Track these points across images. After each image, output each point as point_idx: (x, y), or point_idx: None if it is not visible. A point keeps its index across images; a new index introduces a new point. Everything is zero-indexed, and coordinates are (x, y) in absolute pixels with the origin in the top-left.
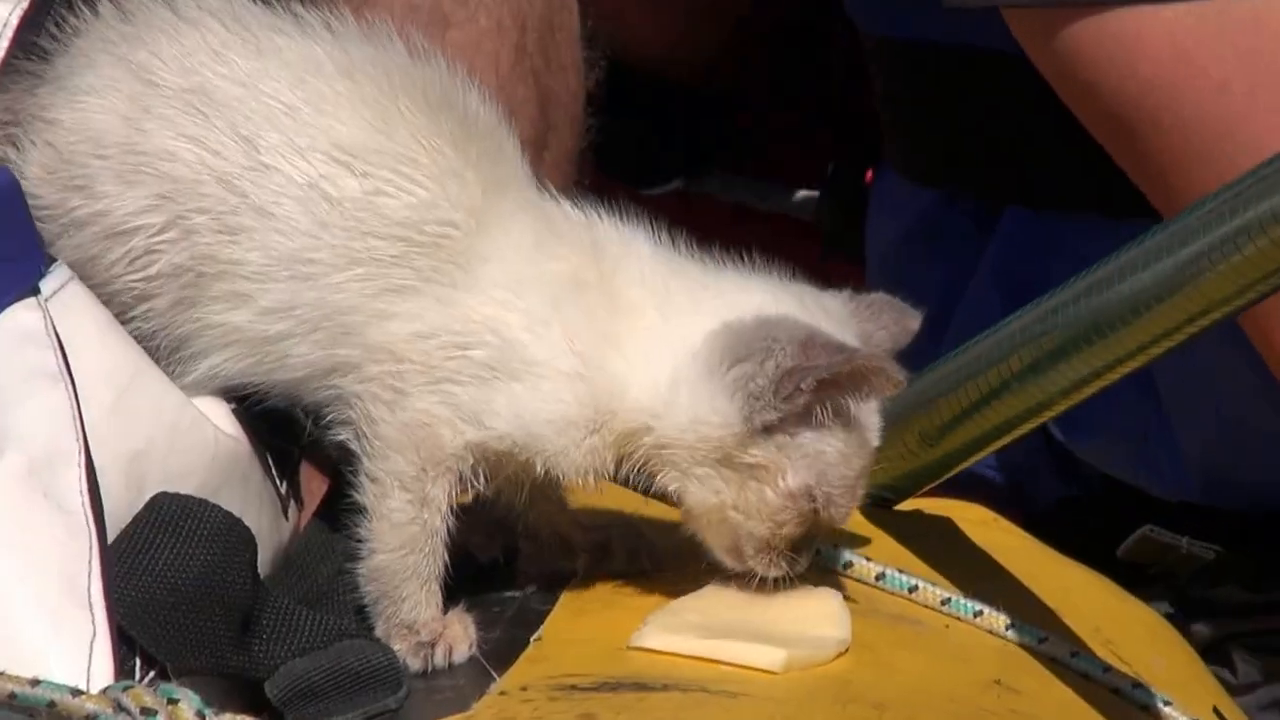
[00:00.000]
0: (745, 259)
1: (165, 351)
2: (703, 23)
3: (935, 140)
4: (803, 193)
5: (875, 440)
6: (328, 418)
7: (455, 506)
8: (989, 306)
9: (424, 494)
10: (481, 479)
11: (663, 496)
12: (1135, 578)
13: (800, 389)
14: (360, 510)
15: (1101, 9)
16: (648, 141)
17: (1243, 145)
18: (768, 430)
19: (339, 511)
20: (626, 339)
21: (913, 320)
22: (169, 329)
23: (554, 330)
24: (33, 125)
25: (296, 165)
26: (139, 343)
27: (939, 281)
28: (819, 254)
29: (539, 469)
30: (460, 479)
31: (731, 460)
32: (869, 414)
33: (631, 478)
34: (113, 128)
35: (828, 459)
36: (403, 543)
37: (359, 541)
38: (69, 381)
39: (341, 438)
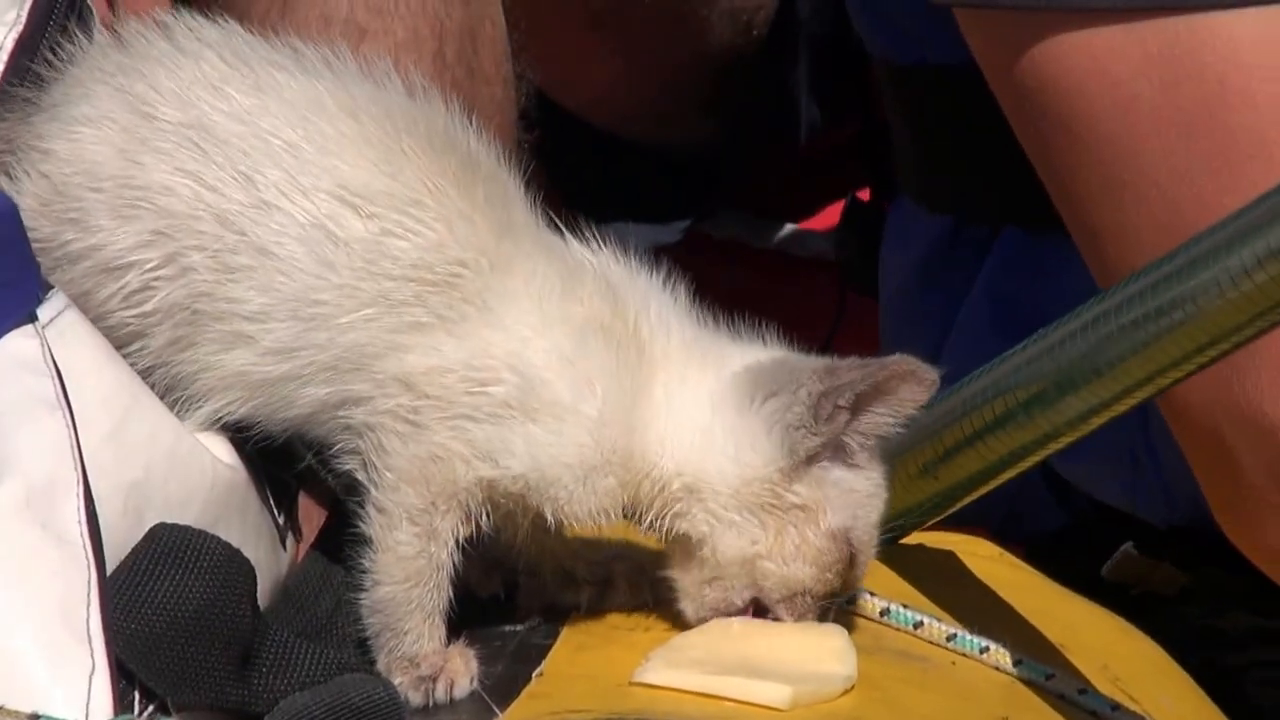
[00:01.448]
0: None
1: (161, 390)
2: (642, 76)
3: (941, 162)
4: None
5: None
6: (334, 447)
7: (461, 541)
8: (981, 329)
9: (432, 527)
10: (485, 515)
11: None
12: (1142, 608)
13: (839, 406)
14: (365, 541)
15: (1052, 24)
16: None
17: (1140, 177)
18: (807, 464)
19: (339, 543)
20: (649, 383)
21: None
22: (166, 367)
23: (577, 371)
24: (28, 155)
25: (299, 204)
26: None
27: (940, 308)
28: (835, 291)
29: (549, 513)
30: (467, 515)
31: (771, 503)
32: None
33: (645, 522)
34: (108, 160)
35: (859, 498)
36: (408, 575)
37: (362, 573)
38: (67, 409)
39: (347, 467)
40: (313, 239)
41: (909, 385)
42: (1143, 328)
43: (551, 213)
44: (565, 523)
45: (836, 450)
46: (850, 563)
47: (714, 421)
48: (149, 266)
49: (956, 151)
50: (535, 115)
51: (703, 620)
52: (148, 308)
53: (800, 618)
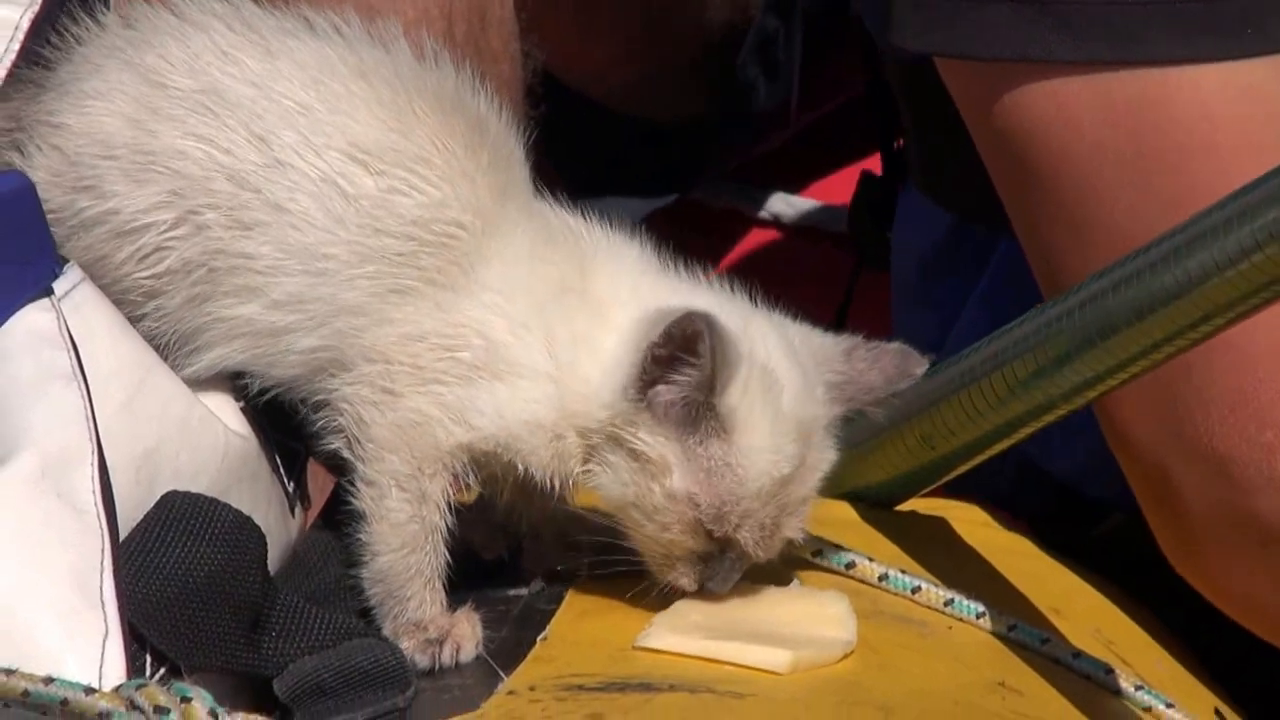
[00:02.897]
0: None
1: (173, 346)
2: (645, 55)
3: (943, 159)
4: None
5: (785, 467)
6: (318, 425)
7: (454, 503)
8: (978, 333)
9: (421, 491)
10: (472, 477)
11: None
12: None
13: (656, 345)
14: (359, 516)
15: (1021, 74)
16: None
17: (1100, 220)
18: (648, 409)
19: (340, 518)
20: (596, 349)
21: (918, 365)
22: (180, 325)
23: (535, 333)
24: (38, 130)
25: (312, 162)
26: (148, 341)
27: (944, 301)
28: (840, 261)
29: (520, 468)
30: (454, 477)
31: (631, 447)
32: (776, 439)
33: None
34: (120, 129)
35: (710, 466)
36: (404, 542)
37: (360, 547)
38: (82, 381)
39: (334, 447)
40: (325, 195)
41: (699, 344)
42: (1140, 302)
43: (544, 182)
44: (542, 480)
45: (693, 420)
46: (710, 534)
47: (606, 364)
48: (164, 227)
49: (957, 151)
50: (541, 91)
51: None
52: (162, 267)
53: (676, 580)
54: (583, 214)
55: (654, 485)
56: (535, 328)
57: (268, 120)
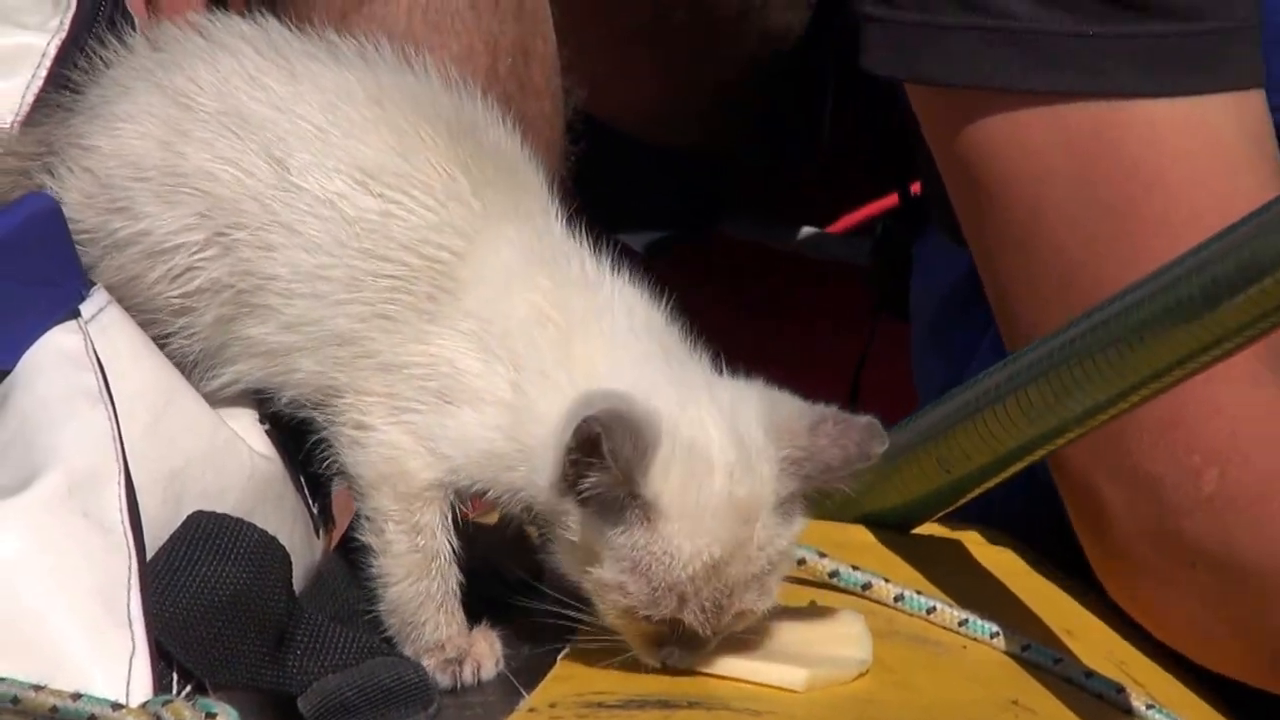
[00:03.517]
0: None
1: (199, 363)
2: (681, 91)
3: None
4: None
5: (716, 551)
6: (324, 465)
7: (472, 523)
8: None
9: (414, 523)
10: (468, 505)
11: None
12: None
13: (569, 446)
14: (367, 549)
15: (984, 101)
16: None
17: (1047, 241)
18: (571, 501)
19: (353, 550)
20: (563, 386)
21: (879, 445)
22: (207, 343)
23: (503, 361)
24: (69, 153)
25: (322, 184)
26: (175, 359)
27: (964, 346)
28: (860, 298)
29: (489, 496)
30: (447, 504)
31: (562, 528)
32: (717, 522)
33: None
34: (150, 151)
35: (635, 554)
36: (408, 571)
37: (370, 580)
38: (109, 402)
39: (344, 485)
40: (331, 218)
41: (603, 446)
42: (1150, 326)
43: (571, 213)
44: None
45: (615, 508)
46: (653, 605)
47: (548, 447)
48: (195, 248)
49: None
50: (580, 128)
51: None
52: (192, 286)
53: (642, 656)
54: (597, 251)
55: (589, 570)
56: (503, 355)
57: (286, 143)
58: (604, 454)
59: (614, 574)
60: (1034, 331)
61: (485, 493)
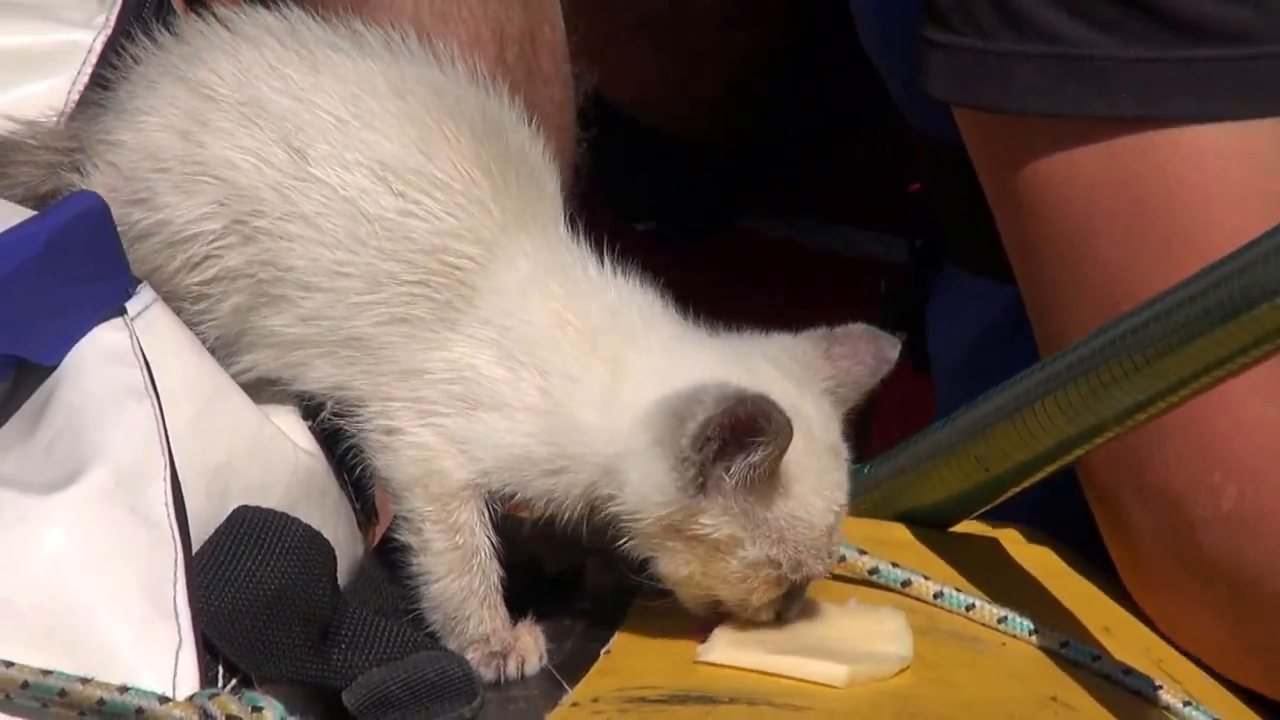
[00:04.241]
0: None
1: (216, 350)
2: (693, 77)
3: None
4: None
5: (840, 496)
6: (356, 472)
7: (498, 519)
8: None
9: (451, 522)
10: (501, 505)
11: None
12: None
13: (709, 437)
14: (406, 548)
15: (1039, 127)
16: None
17: (1087, 257)
18: (710, 496)
19: (393, 549)
20: (593, 388)
21: (890, 349)
22: (225, 330)
23: (528, 368)
24: (96, 149)
25: (341, 178)
26: None
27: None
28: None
29: (519, 500)
30: (483, 503)
31: (690, 534)
32: (825, 471)
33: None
34: (171, 142)
35: (780, 526)
36: (449, 568)
37: (411, 578)
38: (154, 398)
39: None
40: (351, 213)
41: (765, 424)
42: (1189, 326)
43: (588, 209)
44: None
45: (746, 484)
46: (788, 578)
47: (632, 454)
48: (212, 236)
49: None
50: (591, 114)
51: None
52: (210, 274)
53: (756, 616)
54: (601, 251)
55: (728, 559)
56: (527, 362)
57: (306, 134)
58: (766, 431)
59: (762, 550)
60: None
61: (515, 496)
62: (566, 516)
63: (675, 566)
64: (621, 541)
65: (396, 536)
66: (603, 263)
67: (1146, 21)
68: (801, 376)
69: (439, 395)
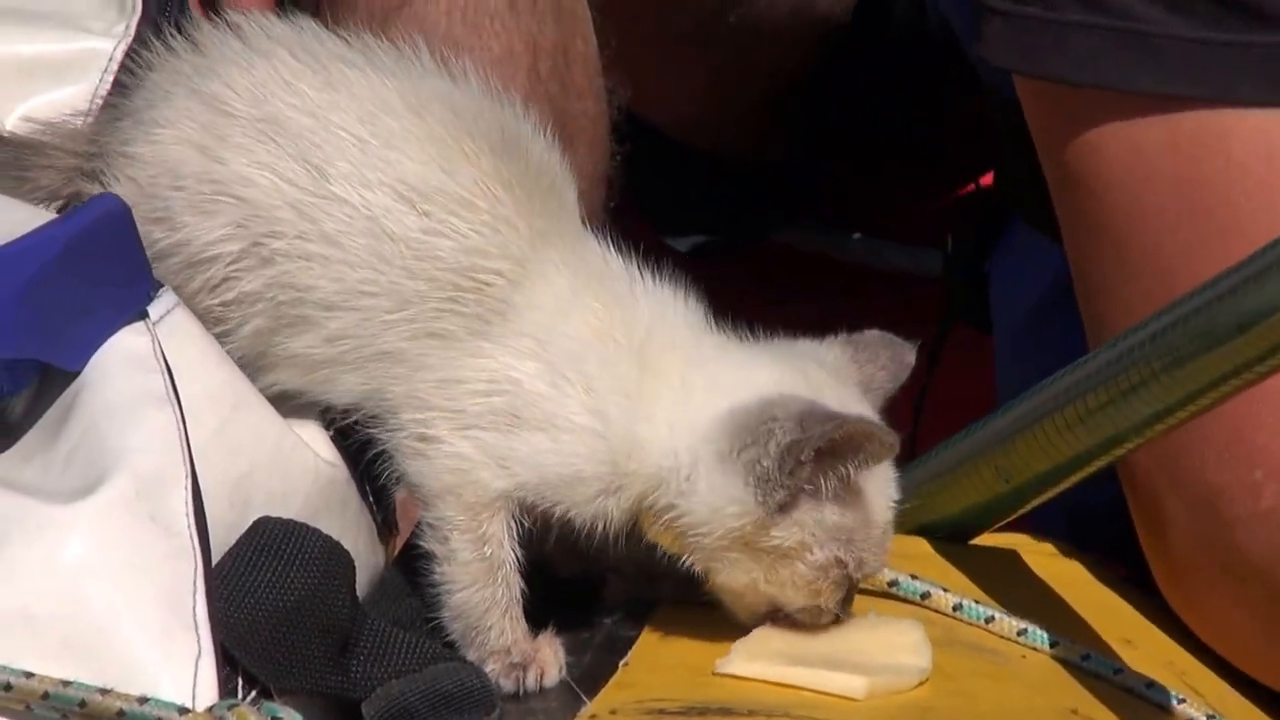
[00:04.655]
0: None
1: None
2: (728, 93)
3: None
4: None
5: (895, 493)
6: (382, 477)
7: (526, 534)
8: None
9: (480, 533)
10: (528, 518)
11: None
12: None
13: (801, 461)
14: (430, 556)
15: (1099, 100)
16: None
17: (1142, 243)
18: (785, 510)
19: (416, 556)
20: (651, 405)
21: (908, 354)
22: (248, 349)
23: (574, 385)
24: (115, 161)
25: (364, 196)
26: None
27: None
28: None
29: (556, 515)
30: (511, 515)
31: (757, 545)
32: (883, 471)
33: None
34: (188, 158)
35: (849, 528)
36: (474, 579)
37: (434, 586)
38: (176, 405)
39: (404, 495)
40: (372, 232)
41: (870, 445)
42: (1207, 335)
43: (625, 221)
44: (605, 530)
45: (815, 492)
46: (849, 577)
47: (700, 468)
48: (230, 259)
49: None
50: (625, 129)
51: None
52: (231, 295)
53: (816, 620)
54: (637, 264)
55: (795, 565)
56: (574, 379)
57: (324, 151)
58: (869, 452)
59: (830, 553)
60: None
61: (552, 509)
62: (601, 530)
63: (735, 576)
64: (659, 554)
65: (421, 544)
66: (640, 274)
67: (1214, 4)
68: (845, 379)
69: (479, 408)
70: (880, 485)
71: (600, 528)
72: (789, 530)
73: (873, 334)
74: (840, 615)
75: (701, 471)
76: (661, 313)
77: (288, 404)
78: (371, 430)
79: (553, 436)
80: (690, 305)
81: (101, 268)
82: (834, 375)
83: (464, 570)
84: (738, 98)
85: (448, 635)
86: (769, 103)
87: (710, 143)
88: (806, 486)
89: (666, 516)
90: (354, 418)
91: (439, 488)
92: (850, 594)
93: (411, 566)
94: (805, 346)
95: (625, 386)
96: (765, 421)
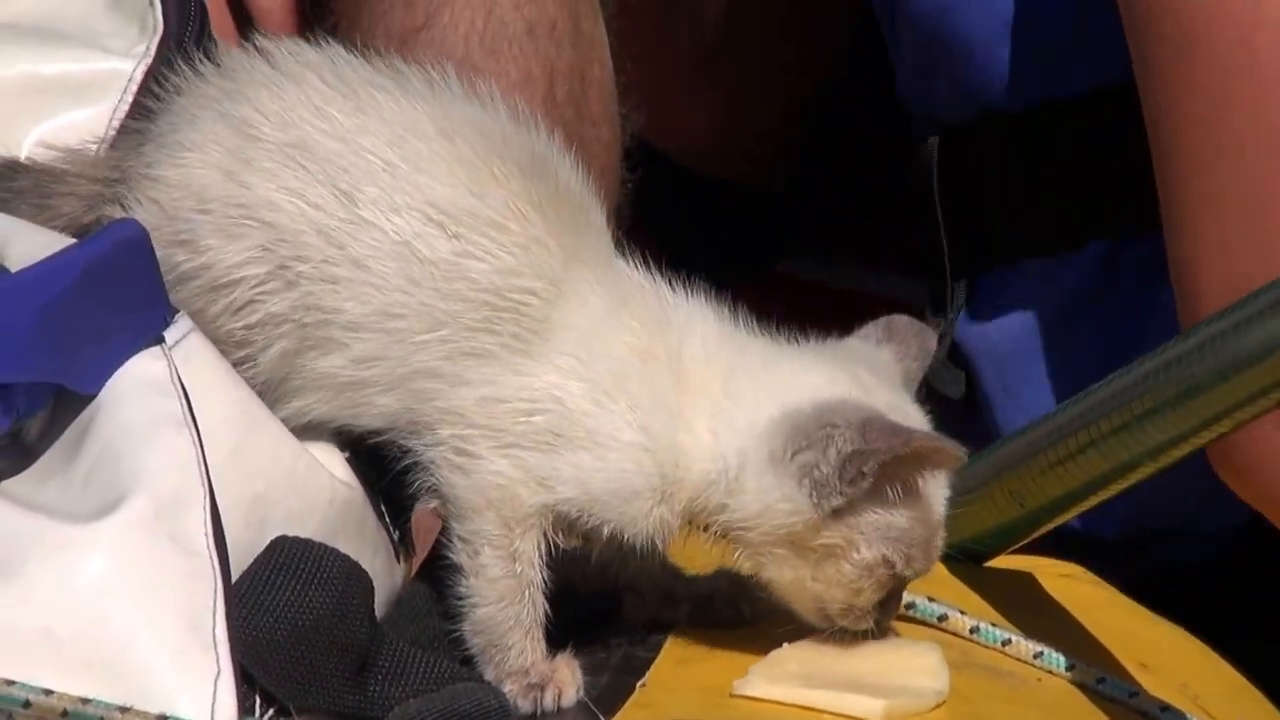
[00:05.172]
0: (801, 334)
1: (264, 394)
2: (742, 118)
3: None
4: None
5: (946, 492)
6: (414, 485)
7: (553, 553)
8: None
9: (512, 550)
10: (560, 534)
11: None
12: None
13: (863, 473)
14: (456, 569)
15: None
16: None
17: (1247, 109)
18: (838, 514)
19: (440, 568)
20: (691, 415)
21: (930, 340)
22: (271, 373)
23: (618, 402)
24: (139, 184)
25: (393, 221)
26: None
27: (1112, 340)
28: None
29: (605, 533)
30: (544, 534)
31: (806, 544)
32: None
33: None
34: (214, 182)
35: (900, 529)
36: (501, 595)
37: (458, 599)
38: (193, 427)
39: (433, 505)
40: (403, 256)
41: (937, 458)
42: (1222, 364)
43: (635, 247)
44: (647, 544)
45: (871, 494)
46: (895, 578)
47: (749, 466)
48: (255, 281)
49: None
50: (638, 156)
51: (833, 628)
52: (255, 319)
53: (856, 625)
54: (666, 279)
55: (841, 563)
56: (618, 396)
57: (353, 176)
58: (934, 463)
59: (878, 552)
60: (1206, 208)
61: (590, 524)
62: (652, 545)
63: (782, 572)
64: (678, 575)
65: (449, 555)
66: (671, 289)
67: None
68: (893, 381)
69: (520, 428)
70: (936, 487)
71: (656, 541)
72: (840, 530)
73: (901, 319)
74: (880, 621)
75: (750, 473)
76: (696, 326)
77: (305, 426)
78: (407, 442)
79: (599, 455)
80: (724, 315)
81: (119, 292)
82: (883, 378)
83: (491, 586)
84: (752, 127)
85: (467, 649)
86: (774, 132)
87: (717, 169)
88: (866, 494)
89: (719, 517)
90: (383, 438)
91: (478, 503)
92: (895, 600)
93: (434, 579)
94: (855, 346)
95: (666, 400)
96: (823, 427)
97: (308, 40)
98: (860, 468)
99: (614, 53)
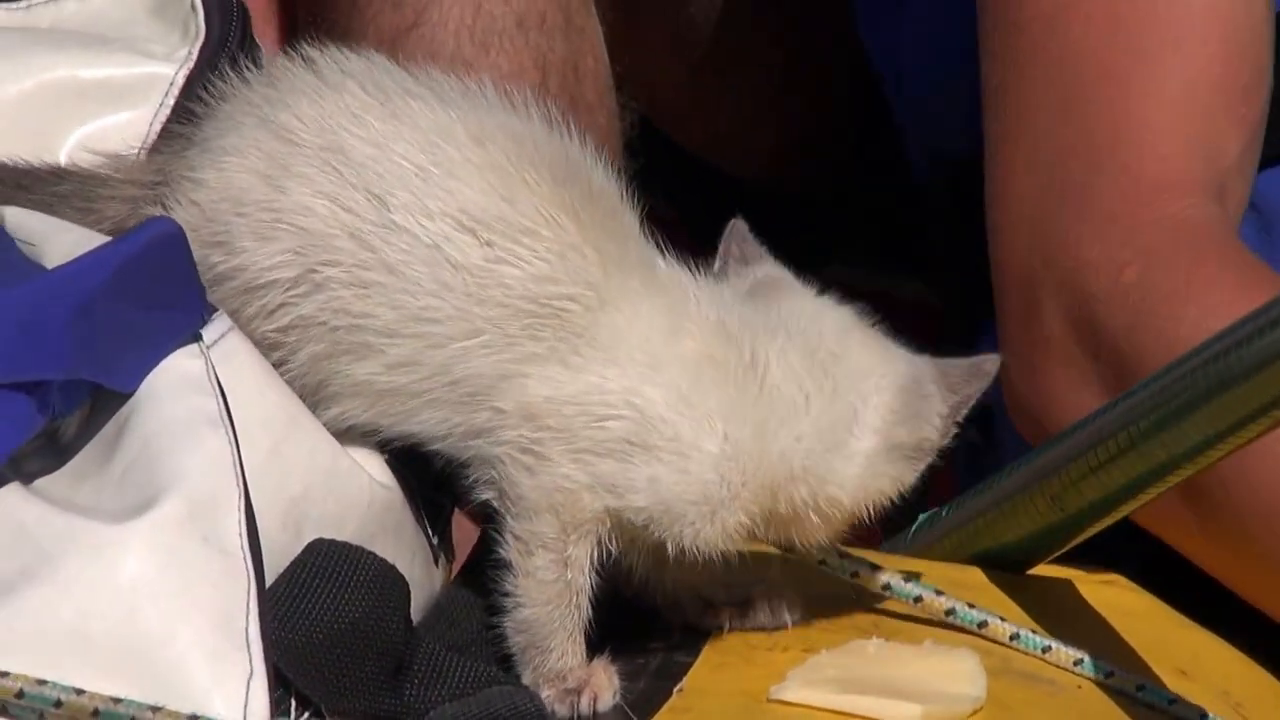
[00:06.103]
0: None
1: (302, 396)
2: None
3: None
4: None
5: None
6: (471, 478)
7: (605, 560)
8: None
9: (566, 555)
10: (614, 541)
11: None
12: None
13: (959, 423)
14: (506, 566)
15: None
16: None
17: (1060, 49)
18: None
19: (485, 566)
20: (771, 415)
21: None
22: (306, 377)
23: (696, 409)
24: (180, 186)
25: (425, 226)
26: None
27: None
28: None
29: (670, 545)
30: (599, 540)
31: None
32: None
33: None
34: (253, 186)
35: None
36: (548, 599)
37: (504, 596)
38: (230, 428)
39: (485, 497)
40: (433, 260)
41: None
42: (1258, 361)
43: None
44: (691, 555)
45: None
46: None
47: (844, 451)
48: (286, 285)
49: None
50: (639, 145)
51: None
52: (286, 321)
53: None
54: (708, 278)
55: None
56: (696, 403)
57: (386, 181)
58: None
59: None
60: (1010, 173)
61: (636, 531)
62: (699, 553)
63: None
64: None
65: (500, 552)
66: (720, 290)
67: None
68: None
69: (591, 432)
70: None
71: (719, 551)
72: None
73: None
74: None
75: (846, 458)
76: (757, 321)
77: (346, 431)
78: (466, 442)
79: (677, 465)
80: (774, 312)
81: (155, 290)
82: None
83: (540, 589)
84: (769, 128)
85: (506, 648)
86: (797, 137)
87: (740, 170)
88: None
89: (804, 512)
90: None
91: (540, 504)
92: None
93: (473, 582)
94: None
95: (741, 404)
96: (917, 398)
97: (353, 49)
98: (956, 418)
99: (609, 46)
